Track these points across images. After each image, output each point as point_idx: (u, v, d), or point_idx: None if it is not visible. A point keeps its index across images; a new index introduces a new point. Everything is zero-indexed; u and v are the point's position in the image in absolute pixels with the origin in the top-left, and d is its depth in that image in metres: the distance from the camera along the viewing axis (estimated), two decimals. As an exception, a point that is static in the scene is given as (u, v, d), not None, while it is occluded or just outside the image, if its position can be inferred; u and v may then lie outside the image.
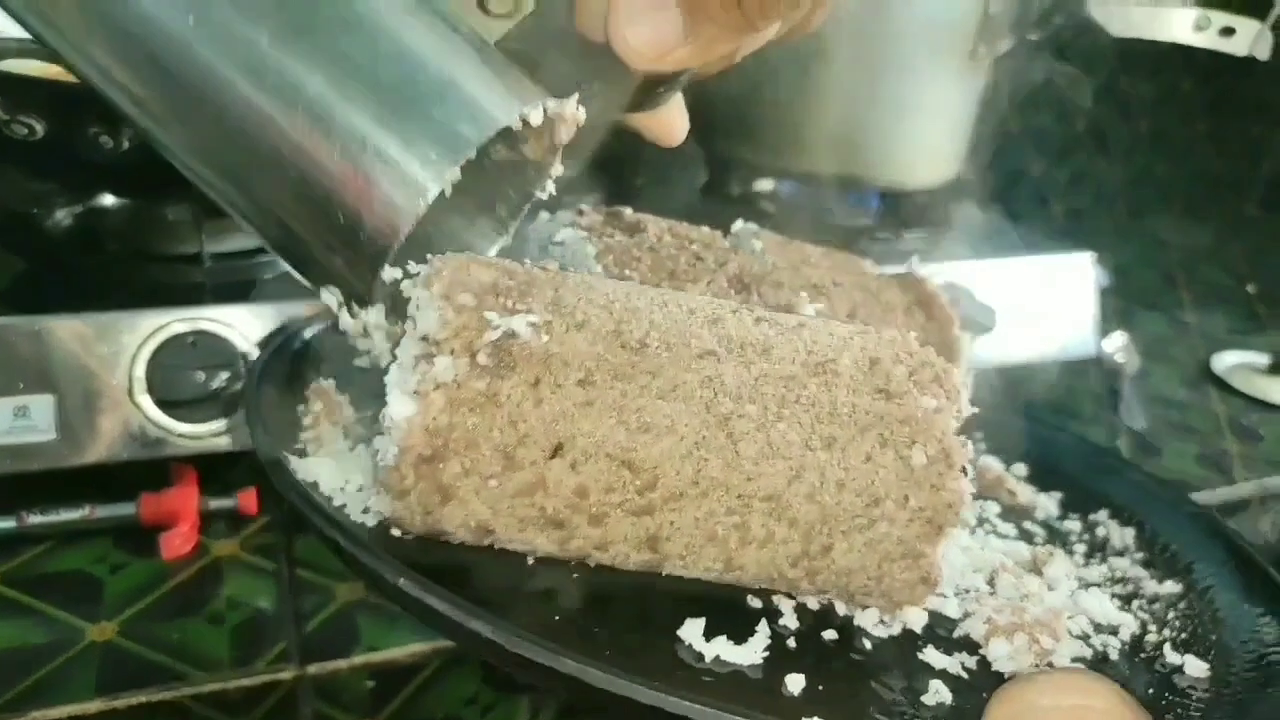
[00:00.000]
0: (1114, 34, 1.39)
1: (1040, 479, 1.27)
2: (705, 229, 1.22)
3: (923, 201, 1.68)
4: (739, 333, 0.85)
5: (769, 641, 0.81)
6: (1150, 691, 0.90)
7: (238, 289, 1.25)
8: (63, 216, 1.35)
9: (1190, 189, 2.70)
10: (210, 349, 1.16)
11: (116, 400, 1.13)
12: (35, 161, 1.25)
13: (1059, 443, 1.33)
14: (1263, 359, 1.92)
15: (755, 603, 0.87)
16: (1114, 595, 1.04)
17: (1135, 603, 1.04)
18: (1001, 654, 0.87)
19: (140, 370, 1.15)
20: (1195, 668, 0.94)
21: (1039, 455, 1.29)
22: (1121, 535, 1.18)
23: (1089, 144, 2.49)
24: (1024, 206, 1.92)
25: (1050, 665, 0.88)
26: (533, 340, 0.79)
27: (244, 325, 1.18)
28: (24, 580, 1.07)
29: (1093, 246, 1.73)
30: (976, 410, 1.14)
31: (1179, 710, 0.88)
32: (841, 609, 0.89)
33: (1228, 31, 1.39)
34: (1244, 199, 2.75)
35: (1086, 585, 1.04)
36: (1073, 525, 1.19)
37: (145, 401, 1.13)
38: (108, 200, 1.37)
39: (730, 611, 0.85)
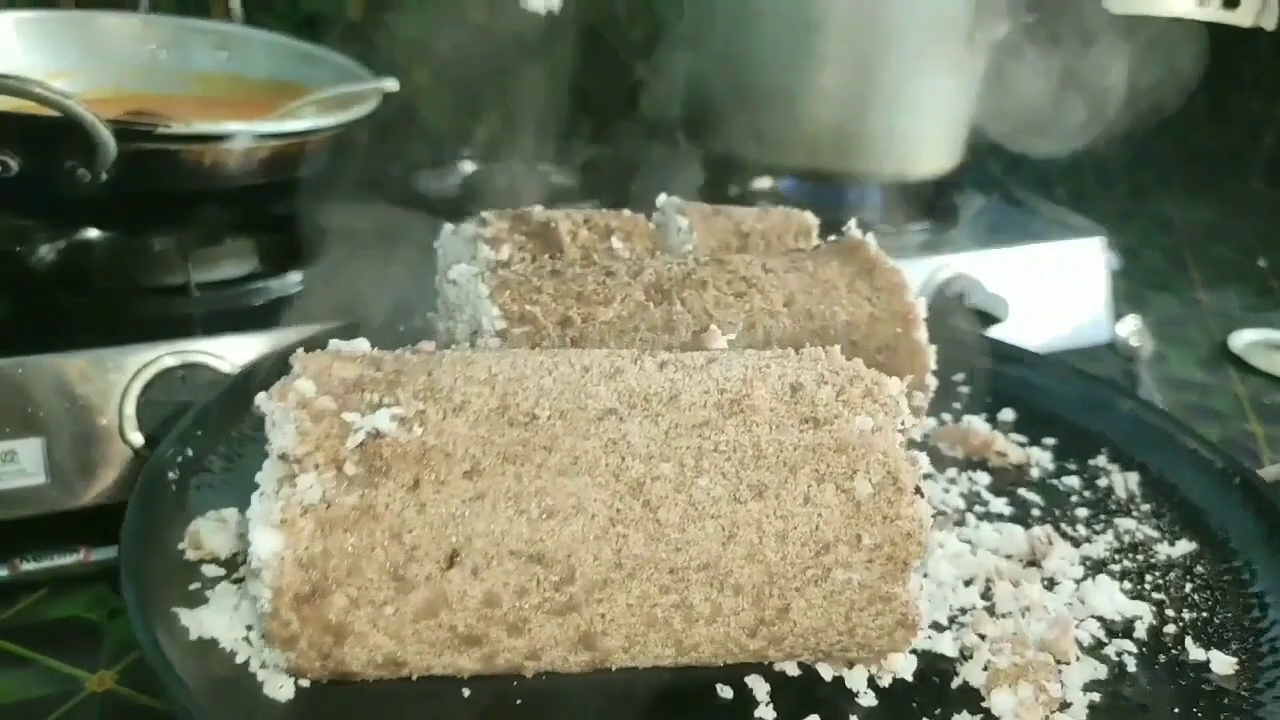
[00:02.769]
0: (1114, 11, 1.24)
1: (1031, 425, 1.07)
2: (627, 212, 1.05)
3: (925, 192, 1.50)
4: (641, 383, 0.67)
5: None
6: (1177, 711, 0.72)
7: (227, 319, 1.10)
8: (46, 252, 1.18)
9: (1192, 167, 2.47)
10: (202, 382, 1.00)
11: (107, 440, 0.98)
12: (13, 198, 1.10)
13: (1046, 383, 1.12)
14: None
15: (725, 692, 0.69)
16: (1124, 575, 0.86)
17: (1148, 579, 0.86)
18: (1006, 708, 0.70)
19: (130, 408, 0.98)
20: (1222, 664, 0.76)
21: (1027, 399, 1.10)
22: (1125, 482, 0.99)
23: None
24: (1026, 193, 1.78)
25: (1064, 706, 0.70)
26: (403, 436, 0.62)
27: (236, 356, 1.03)
28: (20, 630, 0.93)
29: (1098, 230, 1.54)
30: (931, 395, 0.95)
31: None
32: (826, 672, 0.71)
33: (1231, 3, 1.24)
34: (1247, 174, 2.53)
35: (1093, 570, 0.86)
36: (1071, 481, 0.99)
37: (137, 439, 0.97)
38: (91, 234, 1.21)
39: (696, 716, 0.68)
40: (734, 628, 0.66)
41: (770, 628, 0.66)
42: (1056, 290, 1.46)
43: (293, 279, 1.22)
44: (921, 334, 0.91)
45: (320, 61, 1.35)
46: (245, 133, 1.10)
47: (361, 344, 0.69)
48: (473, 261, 0.95)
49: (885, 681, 0.72)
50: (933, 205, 1.50)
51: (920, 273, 1.34)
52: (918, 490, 0.66)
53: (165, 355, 1.01)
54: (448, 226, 1.02)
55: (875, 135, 1.38)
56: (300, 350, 0.66)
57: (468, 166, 1.44)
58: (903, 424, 0.68)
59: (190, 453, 0.85)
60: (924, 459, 0.69)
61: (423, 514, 0.61)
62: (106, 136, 0.96)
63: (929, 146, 1.44)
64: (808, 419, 0.66)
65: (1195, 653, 0.77)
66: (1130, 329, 1.51)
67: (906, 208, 1.45)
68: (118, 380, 0.99)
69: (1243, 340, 1.65)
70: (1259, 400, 1.48)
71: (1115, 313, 1.49)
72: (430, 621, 0.62)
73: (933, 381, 0.93)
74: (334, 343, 0.69)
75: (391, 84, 1.23)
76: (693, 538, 0.63)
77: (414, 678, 0.66)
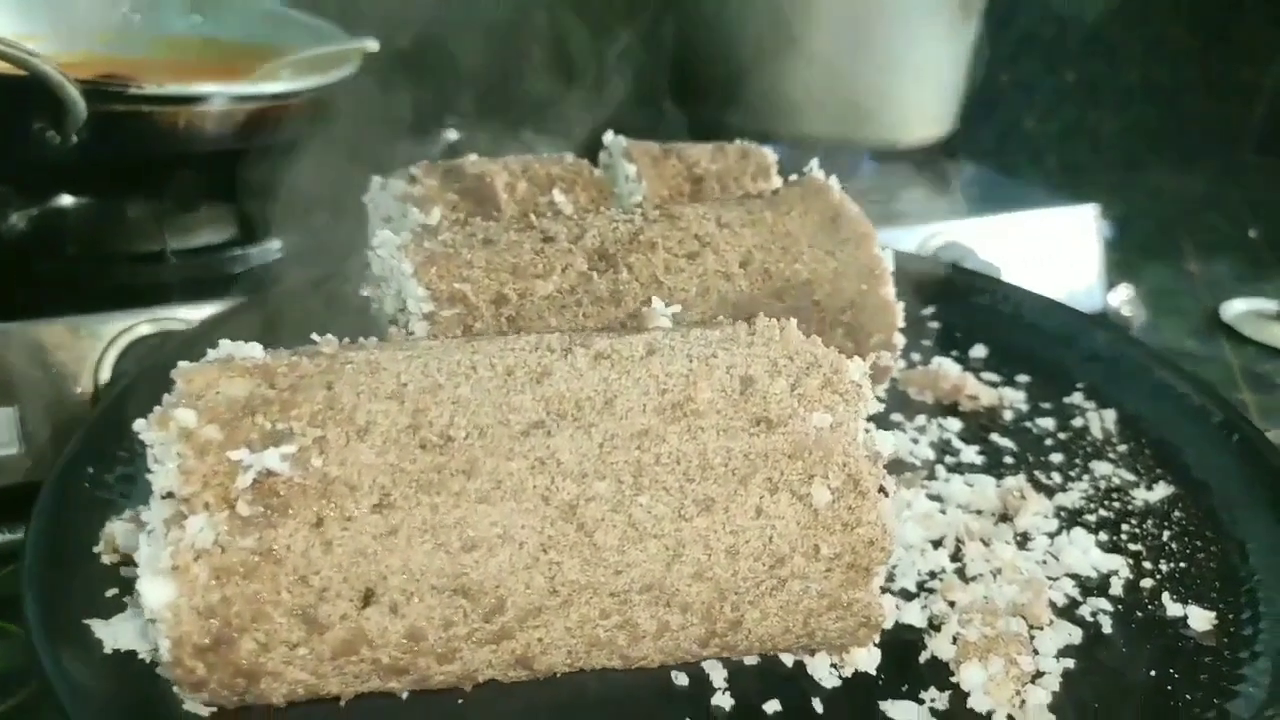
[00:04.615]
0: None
1: (1004, 362, 0.96)
2: (569, 157, 0.92)
3: (917, 160, 1.39)
4: (571, 387, 0.54)
5: None
6: (1154, 674, 0.63)
7: (205, 286, 1.00)
8: (17, 220, 1.08)
9: (1184, 137, 2.40)
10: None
11: (82, 409, 0.89)
12: (-21, 163, 0.94)
13: (1020, 316, 1.02)
14: (1272, 305, 1.60)
15: (681, 679, 0.59)
16: (1100, 526, 0.76)
17: (1125, 529, 0.76)
18: (976, 683, 0.60)
19: (106, 376, 0.91)
20: (1200, 620, 0.67)
21: (1000, 333, 0.99)
22: (1100, 420, 0.88)
23: (1080, 96, 2.29)
24: (1018, 162, 1.72)
25: (1037, 675, 0.62)
26: (299, 472, 0.49)
27: (215, 324, 0.86)
28: (-7, 603, 0.81)
29: (1090, 199, 1.43)
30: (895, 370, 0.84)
31: (1194, 691, 0.62)
32: (787, 658, 0.61)
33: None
34: (1238, 145, 2.45)
35: (1068, 522, 0.76)
36: (1046, 423, 0.88)
37: (112, 409, 0.89)
38: (65, 201, 1.11)
39: (648, 707, 0.58)
40: (684, 640, 0.55)
41: (723, 638, 0.55)
42: (1049, 258, 1.32)
43: (272, 246, 1.11)
44: (889, 290, 0.77)
45: (297, 24, 1.23)
46: (220, 94, 1.00)
47: (254, 349, 0.56)
48: (402, 221, 0.82)
49: (848, 670, 0.62)
50: (925, 172, 1.35)
51: (912, 240, 1.23)
52: (881, 490, 0.54)
53: (141, 323, 0.93)
54: (376, 180, 0.88)
55: (867, 101, 1.26)
56: (182, 364, 0.53)
57: (451, 134, 1.37)
58: (865, 410, 0.56)
59: (107, 444, 0.72)
60: (889, 441, 0.56)
61: (330, 553, 0.49)
62: (75, 96, 0.87)
63: (922, 113, 1.32)
64: (759, 420, 0.53)
65: (1173, 608, 0.68)
66: (1123, 298, 1.42)
67: (898, 174, 1.38)
68: (93, 348, 0.91)
69: (1234, 310, 1.57)
70: (1250, 370, 1.39)
71: (1108, 282, 1.41)
72: (351, 658, 0.52)
73: (901, 340, 0.79)
74: (225, 344, 0.56)
75: (372, 44, 1.12)
76: (634, 560, 0.52)
77: (343, 702, 0.55)
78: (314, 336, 0.58)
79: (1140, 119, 2.16)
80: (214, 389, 0.51)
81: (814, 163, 0.85)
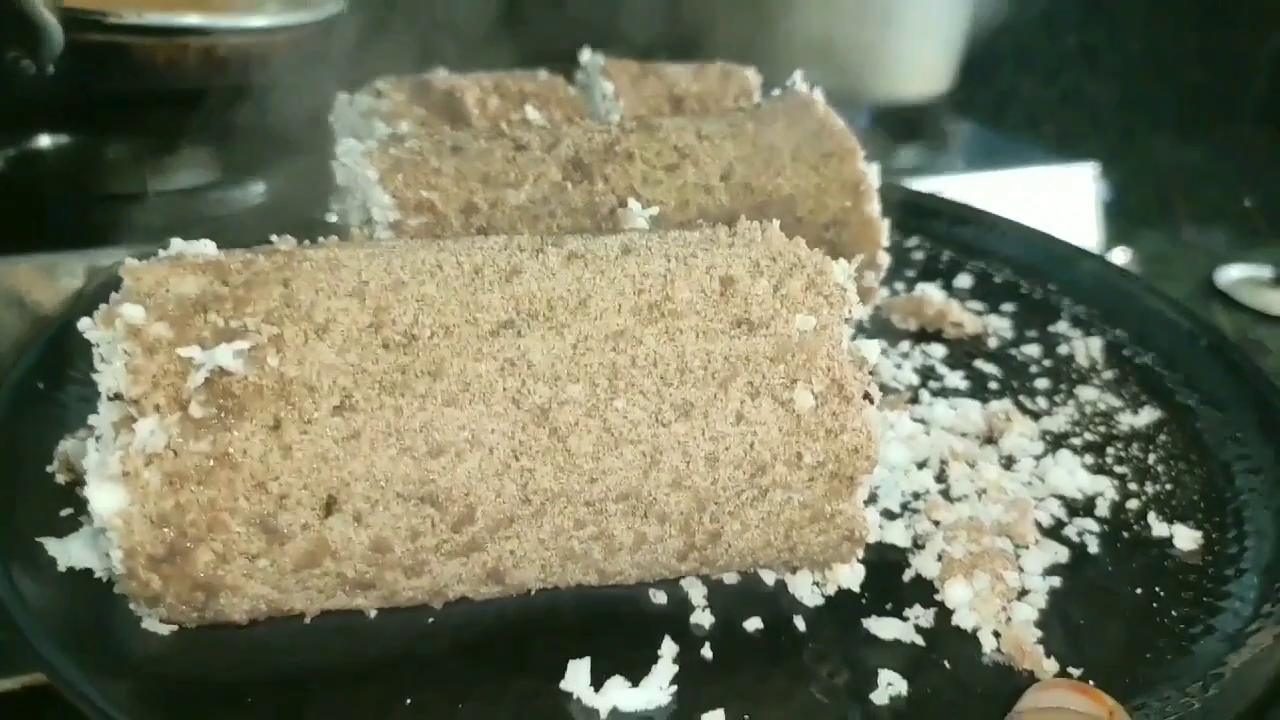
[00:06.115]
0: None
1: (989, 291, 0.92)
2: (543, 73, 0.86)
3: (915, 115, 1.35)
4: (543, 287, 0.49)
5: (676, 669, 0.51)
6: (1139, 591, 0.60)
7: (187, 227, 0.97)
8: None
9: (1182, 108, 2.39)
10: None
11: (58, 348, 0.86)
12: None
13: (1005, 246, 0.98)
14: (1266, 272, 1.58)
15: (659, 598, 0.56)
16: (1085, 449, 0.73)
17: (1110, 452, 0.73)
18: (962, 600, 0.57)
19: (84, 315, 0.90)
20: (1185, 539, 0.64)
21: (986, 264, 0.96)
22: (1086, 349, 0.85)
23: (1079, 62, 2.26)
24: (1016, 128, 1.69)
25: (1022, 593, 0.59)
26: (255, 370, 0.45)
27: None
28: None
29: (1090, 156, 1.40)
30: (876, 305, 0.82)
31: (1180, 608, 0.60)
32: (769, 576, 0.58)
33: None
34: (1236, 115, 2.45)
35: (1054, 445, 0.73)
36: (1031, 350, 0.84)
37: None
38: (44, 142, 1.05)
39: (626, 624, 0.55)
40: (662, 554, 0.51)
41: (702, 551, 0.51)
42: (1047, 216, 1.24)
43: (255, 189, 1.06)
44: (874, 207, 0.73)
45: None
46: (201, 27, 0.95)
47: (207, 246, 0.51)
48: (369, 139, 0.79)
49: (831, 588, 0.58)
50: (923, 128, 1.32)
51: (909, 196, 1.20)
52: (866, 396, 0.50)
53: (120, 262, 0.90)
54: (342, 96, 0.83)
55: (865, 55, 1.25)
56: (129, 261, 0.49)
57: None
58: (848, 314, 0.52)
59: (61, 362, 0.67)
60: (874, 349, 0.53)
61: (289, 458, 0.45)
62: (50, 22, 0.83)
63: (920, 68, 1.27)
64: (740, 321, 0.49)
65: (1159, 528, 0.65)
66: (1119, 261, 1.42)
67: (896, 129, 1.34)
68: (70, 286, 0.87)
69: (1229, 276, 1.55)
70: (1244, 335, 1.36)
71: (1105, 246, 1.35)
72: (314, 570, 0.48)
73: (885, 259, 0.76)
74: (176, 243, 0.51)
75: None
76: (609, 467, 0.48)
77: (308, 619, 0.51)
78: (272, 237, 0.54)
79: (1139, 88, 2.12)
80: (164, 286, 0.47)
81: (797, 75, 0.81)
